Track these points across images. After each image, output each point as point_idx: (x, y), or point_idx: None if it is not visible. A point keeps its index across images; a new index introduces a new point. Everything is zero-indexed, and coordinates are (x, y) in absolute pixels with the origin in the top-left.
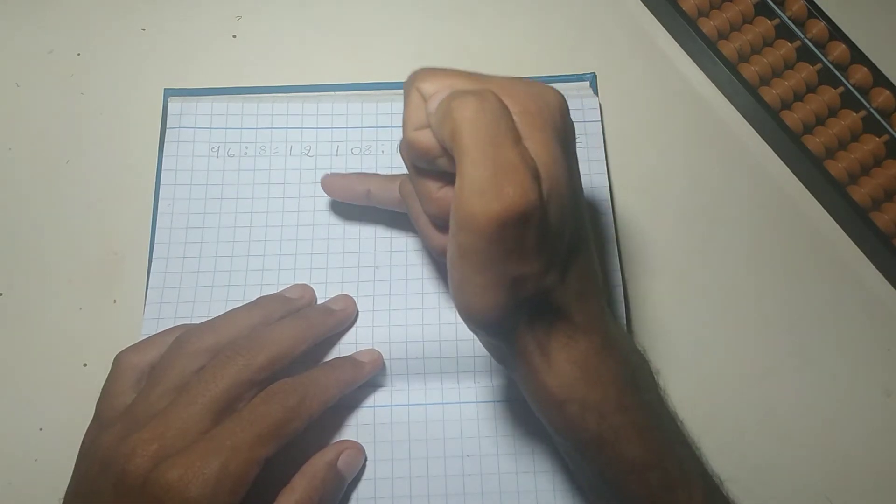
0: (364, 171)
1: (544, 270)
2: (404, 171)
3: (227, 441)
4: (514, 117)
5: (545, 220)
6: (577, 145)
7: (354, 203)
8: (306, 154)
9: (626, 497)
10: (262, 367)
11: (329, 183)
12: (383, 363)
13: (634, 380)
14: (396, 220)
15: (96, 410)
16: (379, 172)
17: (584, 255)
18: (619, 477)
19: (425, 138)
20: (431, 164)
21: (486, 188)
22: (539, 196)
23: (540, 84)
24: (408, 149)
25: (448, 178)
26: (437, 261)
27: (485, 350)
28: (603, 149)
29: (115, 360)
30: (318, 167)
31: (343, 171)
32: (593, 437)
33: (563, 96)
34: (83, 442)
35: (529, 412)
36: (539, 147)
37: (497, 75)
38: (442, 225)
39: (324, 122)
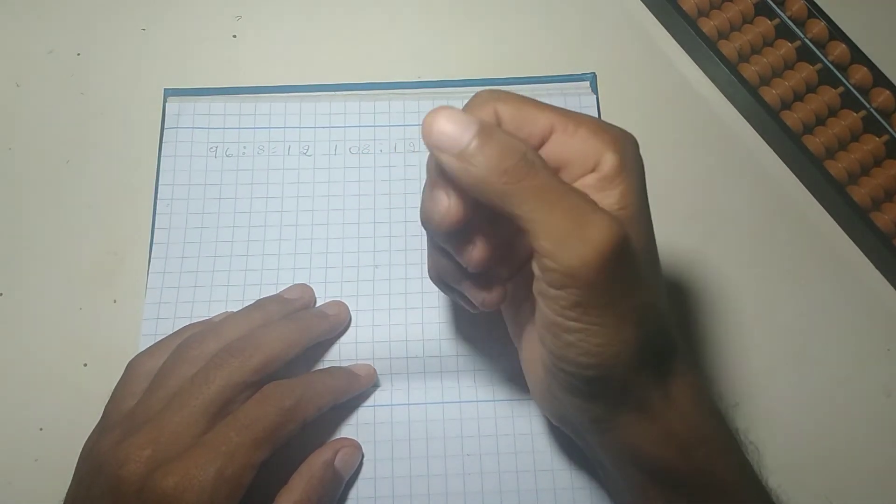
0: (362, 172)
1: (656, 296)
2: (403, 167)
3: (222, 447)
4: (614, 159)
5: (637, 247)
6: None
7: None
8: (304, 154)
9: None
10: (256, 369)
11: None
12: (377, 378)
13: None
14: (396, 219)
15: (103, 413)
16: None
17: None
18: None
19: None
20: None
21: (573, 236)
22: (621, 225)
23: (619, 127)
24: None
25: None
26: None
27: (485, 349)
28: None
29: (128, 364)
30: (317, 166)
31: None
32: (718, 480)
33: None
34: (85, 444)
35: (529, 411)
36: (627, 189)
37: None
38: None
39: (321, 122)
